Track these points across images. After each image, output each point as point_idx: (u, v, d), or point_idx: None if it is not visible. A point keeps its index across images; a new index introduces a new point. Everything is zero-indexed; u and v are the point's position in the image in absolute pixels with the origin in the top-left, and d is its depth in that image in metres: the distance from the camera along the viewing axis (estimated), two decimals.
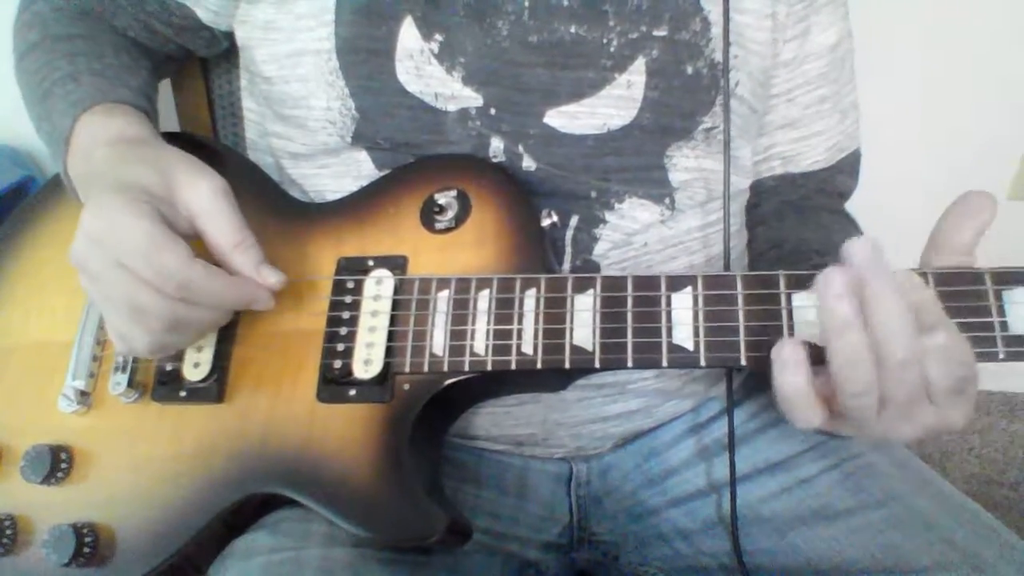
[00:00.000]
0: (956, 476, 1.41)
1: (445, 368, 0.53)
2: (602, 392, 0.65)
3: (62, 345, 0.61)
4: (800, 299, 0.48)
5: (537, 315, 0.52)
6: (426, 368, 0.53)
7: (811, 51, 0.68)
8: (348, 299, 0.56)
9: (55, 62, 0.63)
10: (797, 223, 0.72)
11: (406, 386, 0.54)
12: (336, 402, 0.54)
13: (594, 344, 0.51)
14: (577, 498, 0.70)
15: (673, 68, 0.59)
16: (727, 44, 0.60)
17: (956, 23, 1.07)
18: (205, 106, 0.83)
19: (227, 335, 0.58)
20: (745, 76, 0.63)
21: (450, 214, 0.58)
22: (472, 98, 0.59)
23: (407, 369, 0.53)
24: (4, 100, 0.75)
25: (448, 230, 0.57)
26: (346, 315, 0.56)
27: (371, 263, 0.57)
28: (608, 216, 0.61)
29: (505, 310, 0.53)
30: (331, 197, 0.63)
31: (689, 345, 0.49)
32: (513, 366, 0.51)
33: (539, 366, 0.51)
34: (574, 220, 0.60)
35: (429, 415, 0.54)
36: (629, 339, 0.50)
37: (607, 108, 0.59)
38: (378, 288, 0.56)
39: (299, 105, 0.62)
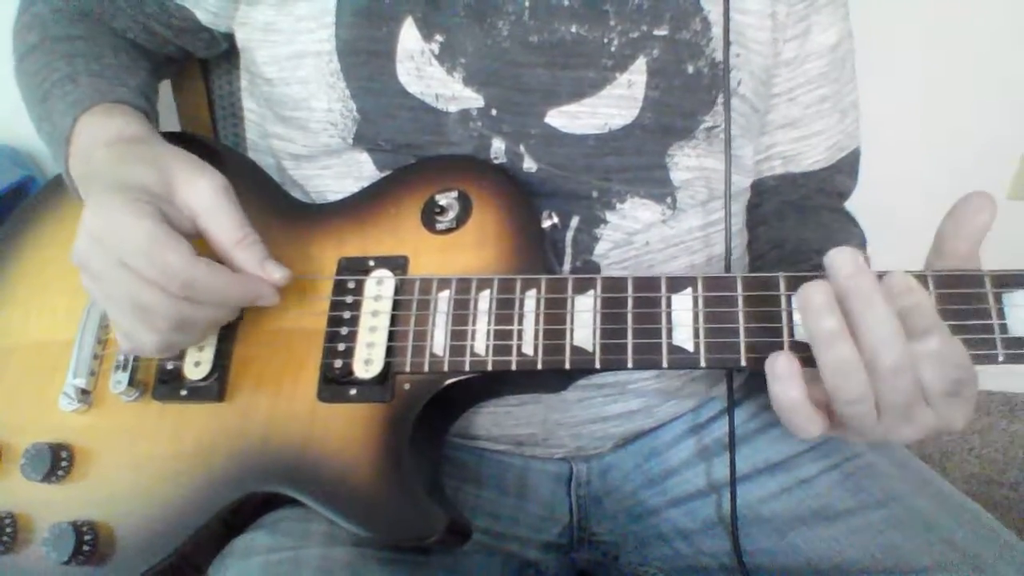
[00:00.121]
0: (956, 476, 1.41)
1: (446, 368, 0.53)
2: (602, 392, 0.65)
3: (63, 344, 0.61)
4: None
5: (537, 316, 0.52)
6: (427, 368, 0.53)
7: (812, 50, 0.68)
8: (349, 299, 0.56)
9: (54, 63, 0.63)
10: (798, 223, 0.72)
11: (407, 386, 0.54)
12: (337, 401, 0.54)
13: (594, 345, 0.51)
14: (577, 498, 0.70)
15: (674, 67, 0.60)
16: (727, 44, 0.60)
17: (956, 23, 1.07)
18: (205, 107, 0.83)
19: (228, 334, 0.58)
20: (746, 75, 0.63)
21: (451, 215, 0.58)
22: (473, 99, 0.59)
23: (408, 369, 0.53)
24: (4, 100, 0.75)
25: (449, 231, 0.57)
26: (347, 315, 0.56)
27: (372, 263, 0.57)
28: (609, 216, 0.61)
29: (506, 310, 0.53)
30: (332, 198, 0.63)
31: (689, 346, 0.49)
32: (513, 366, 0.51)
33: (539, 366, 0.51)
34: (575, 221, 0.60)
35: (429, 415, 0.54)
36: (629, 340, 0.50)
37: (608, 108, 0.59)
38: (379, 288, 0.56)
39: (300, 107, 0.62)
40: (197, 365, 0.57)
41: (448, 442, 0.66)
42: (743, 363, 0.48)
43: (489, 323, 0.53)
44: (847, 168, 0.75)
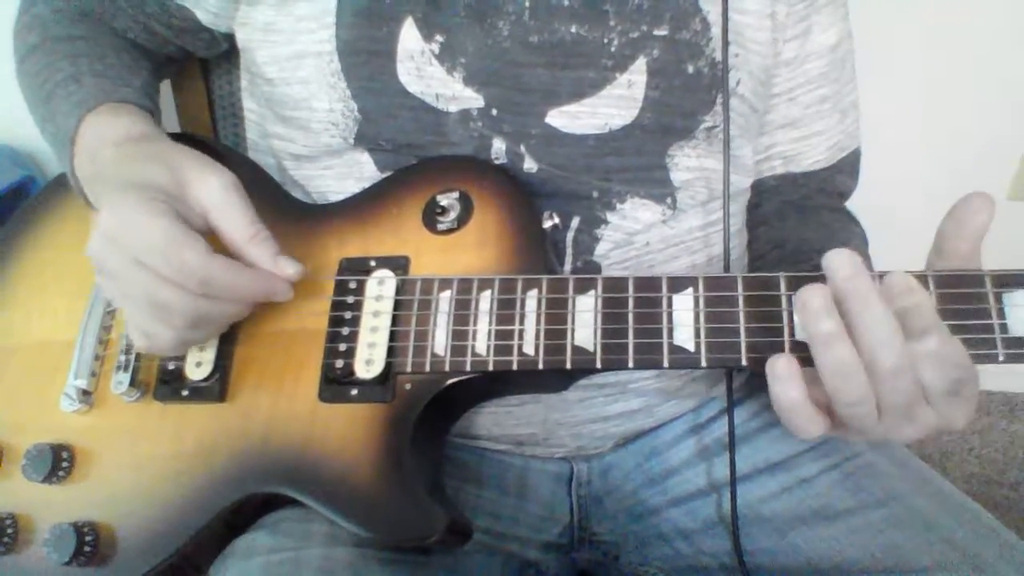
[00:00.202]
0: (956, 476, 1.41)
1: (447, 368, 0.53)
2: (603, 392, 0.65)
3: (64, 344, 0.61)
4: None
5: (539, 316, 0.52)
6: (428, 368, 0.53)
7: (812, 51, 0.68)
8: (350, 299, 0.56)
9: (57, 63, 0.64)
10: (799, 223, 0.72)
11: (408, 386, 0.54)
12: (338, 402, 0.54)
13: (595, 345, 0.51)
14: (578, 498, 0.70)
15: (674, 67, 0.60)
16: (726, 44, 0.60)
17: (956, 23, 1.08)
18: (206, 107, 0.83)
19: (230, 335, 0.58)
20: (746, 75, 0.63)
21: (452, 215, 0.58)
22: (473, 99, 0.59)
23: (409, 369, 0.53)
24: (4, 101, 0.75)
25: (450, 231, 0.57)
26: (348, 315, 0.56)
27: (373, 264, 0.57)
28: (610, 216, 0.61)
29: (507, 311, 0.53)
30: (333, 198, 0.63)
31: (690, 346, 0.49)
32: (515, 366, 0.52)
33: (540, 366, 0.51)
34: (575, 221, 0.60)
35: (430, 415, 0.54)
36: (630, 340, 0.50)
37: (608, 108, 0.59)
38: (380, 288, 0.56)
39: (300, 107, 0.62)
40: (198, 365, 0.57)
41: (449, 442, 0.66)
42: (744, 363, 0.48)
43: (490, 323, 0.53)
44: (848, 168, 0.75)
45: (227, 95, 0.82)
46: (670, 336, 0.50)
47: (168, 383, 0.57)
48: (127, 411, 0.58)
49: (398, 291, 0.56)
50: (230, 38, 0.68)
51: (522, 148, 0.60)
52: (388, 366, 0.54)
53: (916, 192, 1.04)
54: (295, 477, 0.53)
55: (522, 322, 0.52)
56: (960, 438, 1.44)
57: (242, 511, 0.55)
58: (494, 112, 0.59)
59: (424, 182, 0.59)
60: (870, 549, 0.58)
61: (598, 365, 0.50)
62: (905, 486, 0.61)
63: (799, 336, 0.47)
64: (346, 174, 0.63)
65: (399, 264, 0.57)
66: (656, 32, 0.59)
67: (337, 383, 0.54)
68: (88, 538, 0.54)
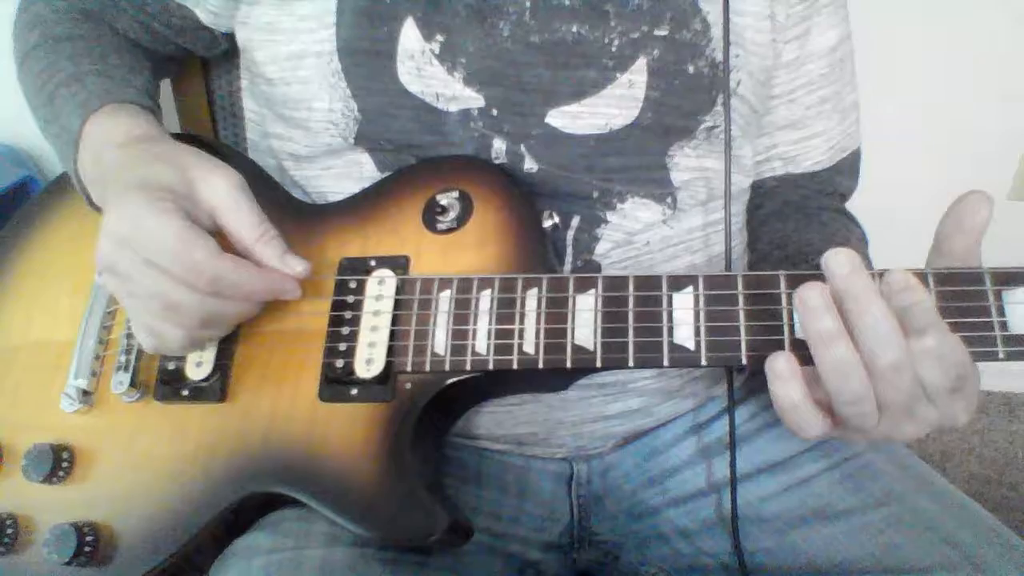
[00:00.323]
0: (956, 476, 1.41)
1: (447, 367, 0.53)
2: (603, 391, 0.65)
3: (64, 344, 0.61)
4: None
5: (539, 315, 0.52)
6: (428, 367, 0.53)
7: (812, 52, 0.68)
8: (350, 299, 0.56)
9: (58, 63, 0.64)
10: (799, 224, 0.72)
11: (408, 385, 0.54)
12: (338, 401, 0.54)
13: (595, 344, 0.51)
14: (578, 498, 0.70)
15: (674, 67, 0.60)
16: (727, 44, 0.60)
17: (956, 23, 1.08)
18: (205, 107, 0.83)
19: (230, 334, 0.58)
20: (746, 75, 0.63)
21: (452, 215, 0.58)
22: (473, 98, 0.59)
23: (409, 368, 0.53)
24: (4, 101, 0.75)
25: (450, 231, 0.57)
26: (348, 315, 0.56)
27: (373, 263, 0.57)
28: (610, 216, 0.61)
29: (507, 310, 0.53)
30: (333, 198, 0.63)
31: (690, 345, 0.49)
32: (515, 365, 0.52)
33: (541, 365, 0.51)
34: (575, 220, 0.60)
35: (431, 414, 0.54)
36: (630, 339, 0.50)
37: (609, 108, 0.59)
38: (380, 288, 0.56)
39: (300, 107, 0.62)
40: (199, 365, 0.57)
41: (449, 441, 0.66)
42: (744, 361, 0.48)
43: (490, 322, 0.53)
44: (848, 169, 0.75)
45: (227, 95, 0.82)
46: (670, 335, 0.50)
47: (168, 383, 0.57)
48: (127, 411, 0.58)
49: (398, 291, 0.56)
50: (230, 38, 0.68)
51: (522, 148, 0.60)
52: (388, 365, 0.54)
53: (916, 192, 1.04)
54: (295, 477, 0.53)
55: (522, 321, 0.52)
56: (960, 438, 1.44)
57: (242, 511, 0.55)
58: (494, 112, 0.59)
59: (424, 182, 0.59)
60: (870, 549, 0.58)
61: (598, 364, 0.50)
62: (905, 486, 0.61)
63: (799, 335, 0.47)
64: (346, 174, 0.63)
65: (399, 264, 0.57)
66: (656, 32, 0.59)
67: (337, 383, 0.54)
68: (88, 538, 0.54)
